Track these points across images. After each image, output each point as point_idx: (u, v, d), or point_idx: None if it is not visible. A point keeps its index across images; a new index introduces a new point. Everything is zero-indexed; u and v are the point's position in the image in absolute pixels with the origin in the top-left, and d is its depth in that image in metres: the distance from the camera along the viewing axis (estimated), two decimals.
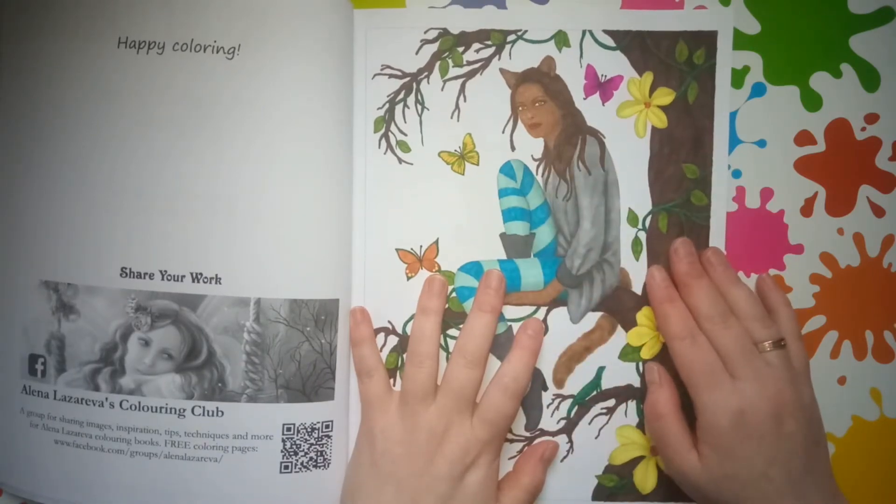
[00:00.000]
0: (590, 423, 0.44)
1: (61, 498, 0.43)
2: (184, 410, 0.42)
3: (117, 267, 0.42)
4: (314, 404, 0.43)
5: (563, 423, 0.44)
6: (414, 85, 0.44)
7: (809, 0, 0.44)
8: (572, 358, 0.44)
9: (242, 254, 0.42)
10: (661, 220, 0.44)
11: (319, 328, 0.43)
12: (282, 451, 0.42)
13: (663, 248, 0.44)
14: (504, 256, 0.44)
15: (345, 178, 0.43)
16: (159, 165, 0.42)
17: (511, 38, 0.44)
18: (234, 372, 0.42)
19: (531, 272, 0.44)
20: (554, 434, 0.44)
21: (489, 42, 0.44)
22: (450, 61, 0.44)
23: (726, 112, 0.43)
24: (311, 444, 0.43)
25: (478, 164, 0.44)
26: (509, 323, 0.44)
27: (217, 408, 0.42)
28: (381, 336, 0.44)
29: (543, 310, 0.44)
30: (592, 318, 0.44)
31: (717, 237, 0.44)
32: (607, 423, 0.44)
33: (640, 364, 0.44)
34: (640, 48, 0.43)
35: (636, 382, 0.44)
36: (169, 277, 0.42)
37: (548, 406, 0.44)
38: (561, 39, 0.44)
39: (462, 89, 0.44)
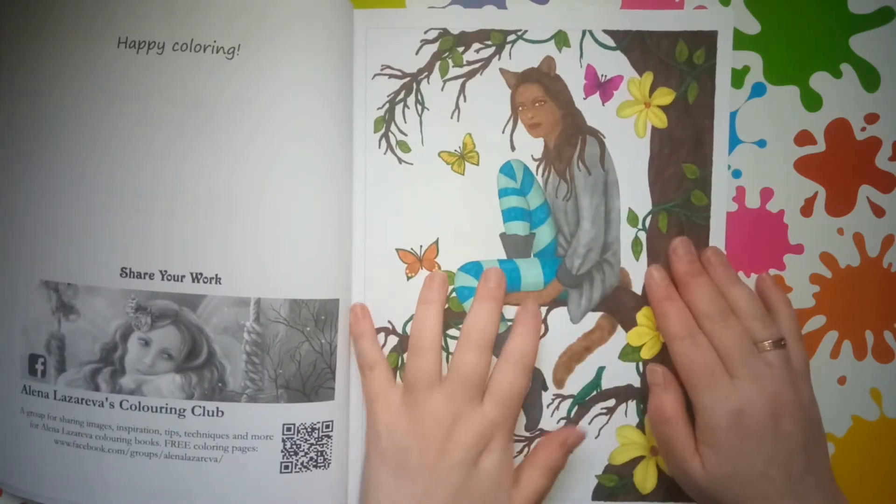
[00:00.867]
0: (590, 423, 0.44)
1: (61, 498, 0.43)
2: (184, 410, 0.42)
3: (117, 267, 0.42)
4: (314, 404, 0.43)
5: (563, 423, 0.44)
6: (414, 85, 0.44)
7: (809, 0, 0.44)
8: (572, 358, 0.44)
9: (242, 254, 0.42)
10: (661, 220, 0.44)
11: (319, 328, 0.43)
12: (282, 451, 0.42)
13: (663, 248, 0.44)
14: (504, 256, 0.44)
15: (345, 178, 0.43)
16: (159, 165, 0.42)
17: (511, 38, 0.44)
18: (235, 372, 0.42)
19: (531, 272, 0.44)
20: None
21: (489, 42, 0.44)
22: (450, 61, 0.44)
23: (726, 112, 0.43)
24: (312, 444, 0.43)
25: (478, 164, 0.44)
26: (509, 323, 0.44)
27: (217, 408, 0.42)
28: (382, 336, 0.44)
29: (543, 310, 0.44)
30: (592, 318, 0.44)
31: (717, 237, 0.44)
32: (607, 423, 0.44)
33: (641, 364, 0.44)
34: (640, 48, 0.43)
35: (636, 382, 0.44)
36: (169, 277, 0.42)
37: (548, 406, 0.44)
38: (561, 39, 0.44)
39: (462, 89, 0.44)
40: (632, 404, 0.44)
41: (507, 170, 0.44)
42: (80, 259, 0.42)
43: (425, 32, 0.44)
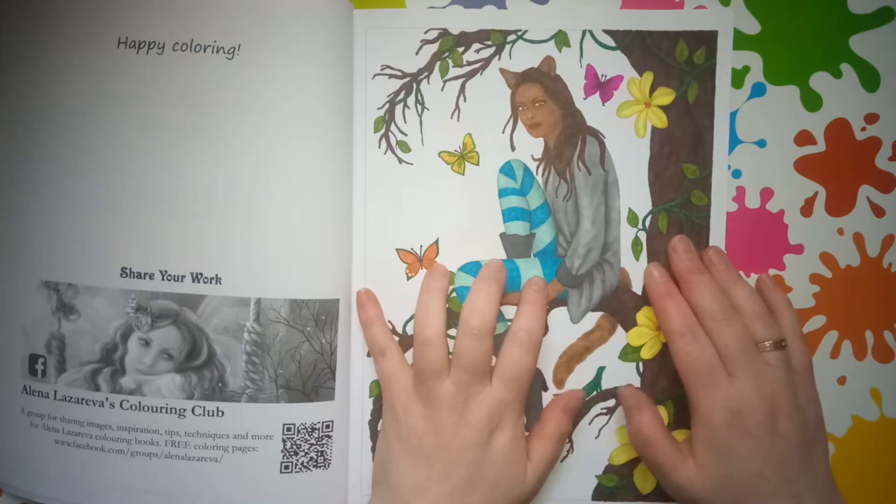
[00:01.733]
0: (590, 424, 0.44)
1: (61, 498, 0.43)
2: (184, 410, 0.42)
3: (117, 267, 0.42)
4: (314, 404, 0.43)
5: None
6: (414, 85, 0.44)
7: (809, 0, 0.44)
8: (572, 358, 0.44)
9: (242, 254, 0.42)
10: (661, 220, 0.44)
11: (319, 328, 0.43)
12: (282, 451, 0.42)
13: (663, 248, 0.44)
14: (504, 256, 0.44)
15: (345, 179, 0.43)
16: (159, 165, 0.42)
17: (511, 38, 0.44)
18: (235, 372, 0.42)
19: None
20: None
21: (489, 42, 0.44)
22: (450, 61, 0.44)
23: (726, 112, 0.43)
24: (312, 444, 0.43)
25: (478, 164, 0.44)
26: (509, 323, 0.44)
27: (217, 408, 0.42)
28: None
29: None
30: (592, 318, 0.44)
31: (717, 237, 0.44)
32: (607, 423, 0.44)
33: (641, 364, 0.44)
34: (641, 48, 0.43)
35: (636, 383, 0.44)
36: (169, 277, 0.42)
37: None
38: (561, 39, 0.44)
39: (462, 89, 0.44)
40: None
41: (507, 170, 0.44)
42: (80, 259, 0.42)
43: (425, 32, 0.44)
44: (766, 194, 0.44)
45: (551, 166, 0.44)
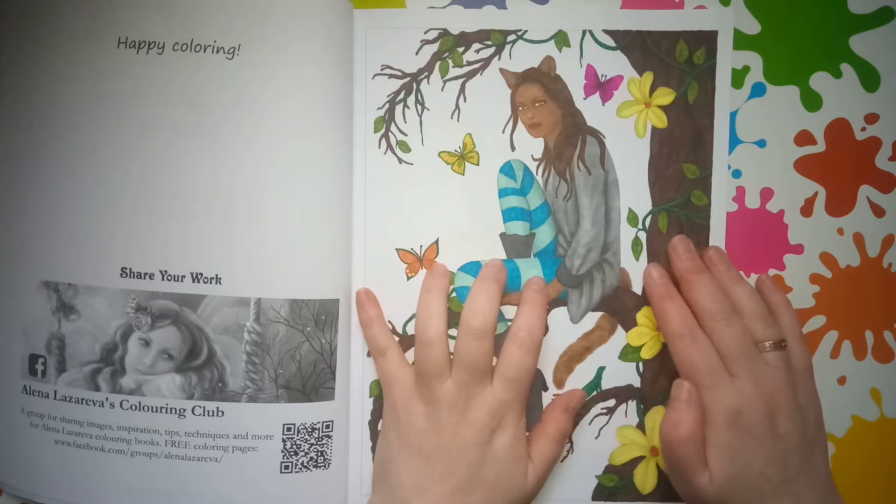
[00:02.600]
0: (590, 424, 0.44)
1: (61, 498, 0.43)
2: (184, 410, 0.42)
3: (117, 267, 0.42)
4: (314, 404, 0.43)
5: None
6: (414, 85, 0.44)
7: (809, 0, 0.44)
8: (572, 358, 0.44)
9: (242, 254, 0.42)
10: (661, 220, 0.44)
11: (319, 328, 0.43)
12: (282, 451, 0.42)
13: (663, 249, 0.44)
14: (504, 256, 0.44)
15: (345, 179, 0.43)
16: (159, 165, 0.42)
17: (511, 38, 0.44)
18: (235, 372, 0.42)
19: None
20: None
21: (489, 42, 0.44)
22: (450, 61, 0.44)
23: (726, 112, 0.43)
24: (312, 444, 0.43)
25: (478, 164, 0.44)
26: (509, 323, 0.44)
27: (217, 408, 0.42)
28: None
29: None
30: (592, 318, 0.44)
31: (717, 237, 0.44)
32: (607, 423, 0.44)
33: (641, 364, 0.44)
34: (641, 48, 0.43)
35: (636, 382, 0.44)
36: (169, 277, 0.42)
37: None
38: (561, 39, 0.44)
39: (462, 89, 0.44)
40: (632, 404, 0.44)
41: (507, 170, 0.44)
42: (80, 259, 0.42)
43: (425, 32, 0.44)
44: (766, 194, 0.44)
45: (551, 166, 0.44)
